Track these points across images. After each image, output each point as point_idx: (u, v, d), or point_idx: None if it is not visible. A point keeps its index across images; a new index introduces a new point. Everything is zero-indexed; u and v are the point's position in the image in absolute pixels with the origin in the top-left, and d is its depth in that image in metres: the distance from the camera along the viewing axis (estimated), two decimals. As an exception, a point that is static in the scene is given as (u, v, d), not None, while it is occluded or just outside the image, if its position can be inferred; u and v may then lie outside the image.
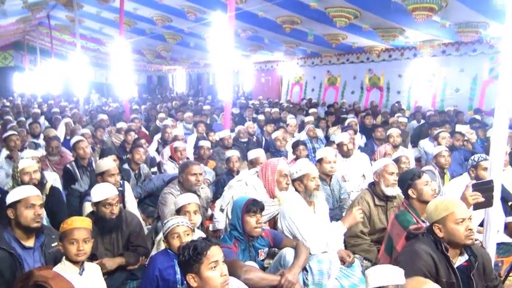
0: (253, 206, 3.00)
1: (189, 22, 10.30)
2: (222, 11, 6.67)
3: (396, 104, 11.36)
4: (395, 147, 5.86)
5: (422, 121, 9.28)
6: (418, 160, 6.84)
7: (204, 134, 7.53)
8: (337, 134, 6.23)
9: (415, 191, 3.16)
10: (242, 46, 12.58)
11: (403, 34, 9.26)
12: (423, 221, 2.98)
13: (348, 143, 5.44)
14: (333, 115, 9.91)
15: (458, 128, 6.38)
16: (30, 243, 2.82)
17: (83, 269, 2.63)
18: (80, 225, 2.63)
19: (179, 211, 3.26)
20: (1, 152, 5.80)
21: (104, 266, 3.01)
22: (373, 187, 3.81)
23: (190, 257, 2.11)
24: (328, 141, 6.66)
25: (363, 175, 5.34)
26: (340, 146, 5.48)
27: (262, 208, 3.07)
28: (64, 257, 2.61)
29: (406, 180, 3.21)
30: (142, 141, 6.14)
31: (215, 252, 2.15)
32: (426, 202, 2.87)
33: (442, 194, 4.29)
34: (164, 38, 12.63)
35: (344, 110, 12.08)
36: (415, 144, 7.60)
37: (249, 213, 2.99)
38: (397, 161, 4.53)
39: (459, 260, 2.50)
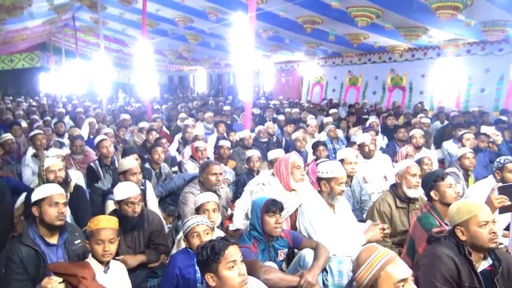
0: (273, 206, 3.00)
1: (210, 23, 10.38)
2: (243, 11, 6.70)
3: (419, 105, 11.18)
4: (417, 148, 5.77)
5: (446, 122, 9.11)
6: (441, 162, 6.72)
7: (225, 134, 7.57)
8: (358, 135, 6.17)
9: (438, 193, 3.11)
10: (263, 46, 12.59)
11: (427, 33, 9.11)
12: (446, 224, 2.92)
13: (369, 143, 5.39)
14: (354, 115, 9.83)
15: (484, 129, 6.22)
16: (53, 240, 2.88)
17: (108, 268, 2.67)
18: (107, 225, 2.66)
19: (198, 209, 3.29)
20: (28, 150, 5.96)
21: (126, 263, 3.05)
22: (394, 189, 3.76)
23: (208, 256, 2.12)
24: (349, 142, 6.61)
25: (385, 177, 5.28)
26: (361, 147, 5.43)
27: (281, 208, 3.07)
28: (90, 255, 2.65)
29: (429, 182, 3.16)
30: (163, 140, 6.21)
31: (233, 252, 2.16)
32: (449, 205, 2.81)
33: (466, 196, 4.20)
34: (185, 39, 12.75)
35: (365, 110, 11.96)
36: (438, 145, 7.46)
37: (269, 213, 2.99)
38: (419, 162, 4.45)
39: (482, 265, 2.44)
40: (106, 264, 2.66)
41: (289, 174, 3.74)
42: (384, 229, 3.39)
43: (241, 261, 2.19)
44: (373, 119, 8.15)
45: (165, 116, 11.92)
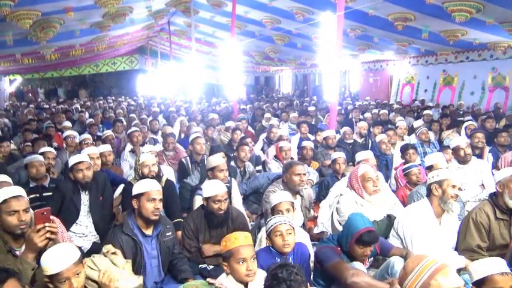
0: (367, 238, 2.77)
1: (297, 23, 10.38)
2: (331, 10, 6.60)
3: (525, 107, 10.13)
4: (522, 154, 5.22)
5: (559, 126, 8.13)
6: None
7: (308, 135, 7.53)
8: (453, 138, 5.75)
9: (547, 205, 2.79)
10: (350, 45, 12.30)
11: (536, 28, 8.22)
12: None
13: (465, 147, 4.97)
14: (448, 117, 9.18)
15: None
16: (149, 231, 3.09)
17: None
18: (245, 242, 2.46)
19: (273, 210, 3.29)
20: (126, 146, 6.46)
21: (202, 251, 3.17)
22: (494, 198, 3.43)
23: None
24: (442, 146, 6.20)
25: (482, 184, 4.86)
26: (456, 151, 5.04)
27: (374, 241, 2.84)
28: (225, 274, 2.49)
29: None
30: (248, 140, 6.35)
31: None
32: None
33: None
34: (272, 40, 12.90)
35: (461, 112, 11.13)
36: (547, 152, 6.68)
37: (359, 244, 2.80)
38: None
39: None
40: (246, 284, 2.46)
41: (361, 188, 3.66)
42: None
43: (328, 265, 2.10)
44: (469, 122, 7.54)
45: (249, 115, 12.17)
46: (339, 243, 2.93)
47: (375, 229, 3.28)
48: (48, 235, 2.31)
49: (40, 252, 2.35)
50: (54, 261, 2.12)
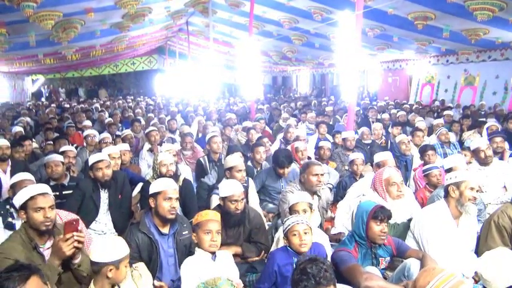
0: (381, 213, 2.89)
1: (315, 23, 10.34)
2: (349, 10, 6.55)
3: (549, 107, 9.86)
4: (547, 156, 5.09)
5: None
6: None
7: (326, 135, 7.49)
8: (473, 139, 5.64)
9: None
10: (369, 45, 12.19)
11: (562, 26, 8.01)
12: None
13: (485, 149, 4.86)
14: (469, 118, 9.01)
15: None
16: (165, 230, 3.11)
17: (215, 256, 2.84)
18: (214, 217, 2.85)
19: (291, 210, 3.29)
20: (144, 145, 6.53)
21: None
22: (518, 201, 3.37)
23: None
24: (462, 147, 6.10)
25: (504, 186, 4.75)
26: (476, 153, 4.94)
27: (389, 216, 2.95)
28: (197, 247, 2.84)
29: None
30: (265, 140, 6.34)
31: None
32: None
33: None
34: (290, 39, 12.88)
35: (483, 112, 10.90)
36: None
37: (376, 220, 2.89)
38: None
39: None
40: (213, 253, 2.83)
41: (385, 192, 3.60)
42: None
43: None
44: (492, 123, 7.38)
45: (267, 115, 12.15)
46: (356, 232, 2.97)
47: (394, 232, 3.27)
48: (75, 244, 2.39)
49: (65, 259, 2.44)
50: (122, 246, 2.37)
